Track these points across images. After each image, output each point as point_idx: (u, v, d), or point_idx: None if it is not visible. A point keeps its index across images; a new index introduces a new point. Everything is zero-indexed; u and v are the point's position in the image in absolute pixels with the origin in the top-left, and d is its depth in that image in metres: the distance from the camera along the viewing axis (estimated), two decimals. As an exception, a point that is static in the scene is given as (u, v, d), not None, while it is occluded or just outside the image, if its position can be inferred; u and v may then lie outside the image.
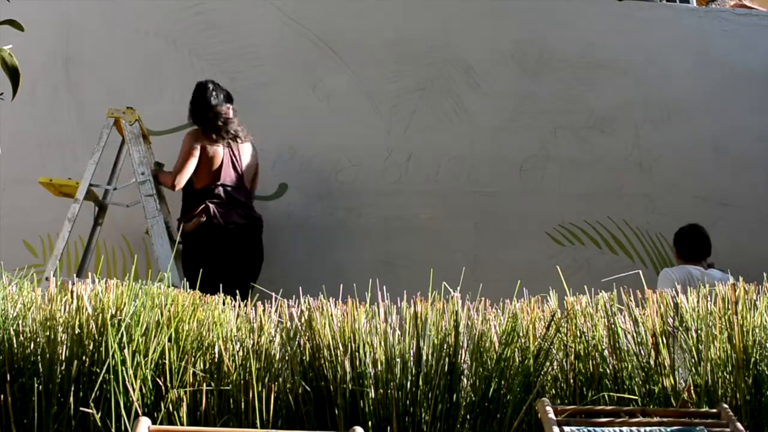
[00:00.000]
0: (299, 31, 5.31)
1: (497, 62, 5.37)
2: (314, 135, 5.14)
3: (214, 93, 4.52)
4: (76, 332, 2.78)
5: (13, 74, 2.10)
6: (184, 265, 4.44)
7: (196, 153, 4.47)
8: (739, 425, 2.60)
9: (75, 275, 4.36)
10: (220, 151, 4.51)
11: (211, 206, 4.43)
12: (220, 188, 4.50)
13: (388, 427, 2.75)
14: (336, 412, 2.77)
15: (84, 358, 2.76)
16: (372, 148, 5.19)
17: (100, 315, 2.78)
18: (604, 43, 5.47)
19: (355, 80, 5.26)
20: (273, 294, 3.08)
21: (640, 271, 3.51)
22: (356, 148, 5.17)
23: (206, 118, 4.50)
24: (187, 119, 4.57)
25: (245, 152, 4.65)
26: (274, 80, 5.22)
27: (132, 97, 4.84)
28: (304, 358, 2.87)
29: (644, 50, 5.49)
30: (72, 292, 2.86)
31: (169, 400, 2.72)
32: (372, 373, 2.81)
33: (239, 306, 3.03)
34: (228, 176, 4.53)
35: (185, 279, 4.21)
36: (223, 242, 4.40)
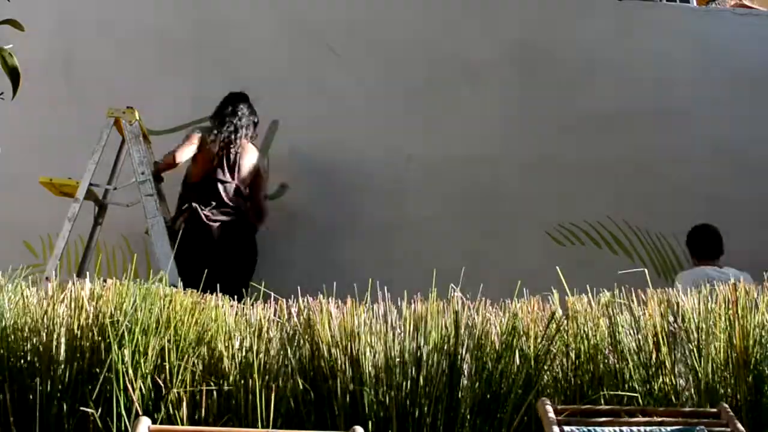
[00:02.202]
0: (300, 31, 5.31)
1: (498, 62, 5.36)
2: (314, 134, 5.14)
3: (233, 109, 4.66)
4: (76, 332, 2.78)
5: (13, 74, 2.10)
6: (177, 262, 4.45)
7: (195, 140, 4.57)
8: (738, 424, 2.60)
9: (75, 275, 4.35)
10: (216, 149, 4.55)
11: (196, 204, 4.46)
12: (210, 185, 4.51)
13: (389, 426, 2.76)
14: (336, 412, 2.77)
15: (83, 357, 2.76)
16: (372, 147, 5.18)
17: (100, 314, 2.78)
18: (605, 43, 5.47)
19: (356, 80, 5.26)
20: (272, 293, 3.08)
21: (646, 270, 3.50)
22: (356, 148, 5.17)
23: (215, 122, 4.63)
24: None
25: (244, 154, 4.67)
26: (275, 80, 5.22)
27: (132, 97, 4.84)
28: (303, 357, 2.87)
29: (644, 50, 5.49)
30: (71, 291, 2.86)
31: (169, 399, 2.72)
32: (372, 373, 2.81)
33: (236, 305, 3.03)
34: (220, 174, 4.54)
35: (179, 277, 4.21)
36: (208, 240, 4.42)
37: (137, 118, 4.53)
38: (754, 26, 5.66)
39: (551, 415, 2.55)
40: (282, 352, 2.89)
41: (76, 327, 2.79)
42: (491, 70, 5.35)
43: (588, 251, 5.16)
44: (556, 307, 3.08)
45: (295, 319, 2.95)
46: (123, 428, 2.65)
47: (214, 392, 2.78)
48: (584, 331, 2.99)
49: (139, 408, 2.67)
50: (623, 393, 2.89)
